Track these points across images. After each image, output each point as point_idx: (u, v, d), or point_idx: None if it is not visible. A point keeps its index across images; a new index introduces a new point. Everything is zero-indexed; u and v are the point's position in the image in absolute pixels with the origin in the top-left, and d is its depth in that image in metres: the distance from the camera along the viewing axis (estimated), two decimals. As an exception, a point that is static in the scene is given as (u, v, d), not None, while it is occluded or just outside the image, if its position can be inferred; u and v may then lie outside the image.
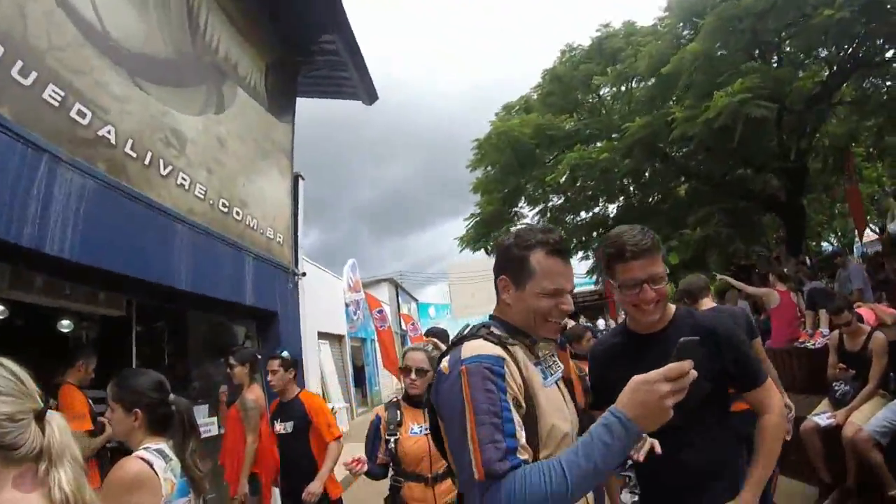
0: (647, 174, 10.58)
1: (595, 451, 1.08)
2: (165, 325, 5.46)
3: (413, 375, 2.54)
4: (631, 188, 11.23)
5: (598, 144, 9.56)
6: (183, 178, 4.55)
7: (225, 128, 5.38)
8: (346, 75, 7.46)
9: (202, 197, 4.82)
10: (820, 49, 8.15)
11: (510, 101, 11.63)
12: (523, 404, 1.26)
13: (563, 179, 9.04)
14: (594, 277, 15.37)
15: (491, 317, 1.48)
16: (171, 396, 1.84)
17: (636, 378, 1.12)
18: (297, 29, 6.69)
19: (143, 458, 1.61)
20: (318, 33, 6.79)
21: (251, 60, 6.02)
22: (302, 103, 7.37)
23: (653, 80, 9.04)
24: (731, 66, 7.50)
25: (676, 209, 10.62)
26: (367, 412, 16.04)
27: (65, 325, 5.03)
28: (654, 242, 1.65)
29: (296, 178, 7.17)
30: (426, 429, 2.35)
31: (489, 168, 11.06)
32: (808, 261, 9.76)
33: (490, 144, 10.14)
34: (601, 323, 32.08)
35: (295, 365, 3.96)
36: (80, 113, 3.39)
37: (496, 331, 1.36)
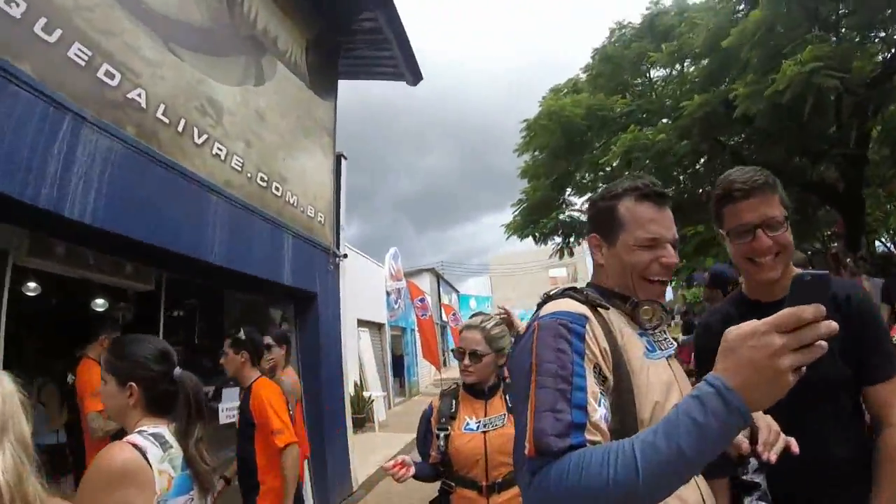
0: (701, 162, 9.90)
1: (680, 431, 0.75)
2: (197, 302, 5.29)
3: (467, 360, 2.11)
4: (681, 178, 10.56)
5: (652, 127, 8.92)
6: (219, 149, 4.35)
7: (264, 101, 5.17)
8: (389, 54, 7.14)
9: (239, 169, 4.62)
10: (878, 29, 7.37)
11: (557, 84, 11.04)
12: (609, 375, 1.03)
13: (617, 163, 8.49)
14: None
15: (588, 284, 1.29)
16: (177, 371, 1.55)
17: (733, 331, 0.76)
18: (338, 5, 6.42)
19: (134, 444, 1.32)
20: (359, 10, 6.50)
21: (291, 36, 5.79)
22: (342, 87, 7.14)
23: (709, 57, 8.37)
24: (791, 39, 6.80)
25: None
26: (404, 401, 15.89)
27: (90, 300, 4.92)
28: (767, 180, 1.41)
29: (338, 158, 6.94)
30: (485, 424, 2.07)
31: (537, 152, 10.57)
32: (868, 257, 8.92)
33: (539, 125, 9.63)
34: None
35: (249, 346, 3.28)
36: (108, 74, 3.21)
37: (588, 292, 1.16)
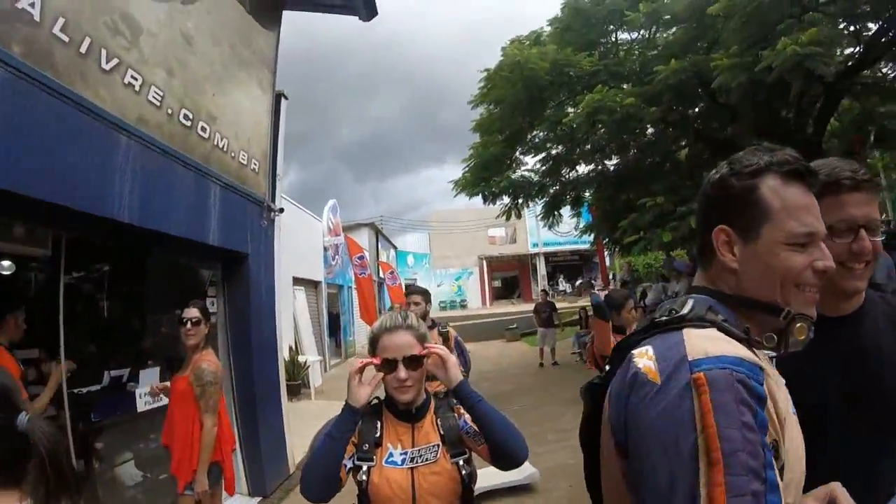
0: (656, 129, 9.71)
1: None
2: (106, 268, 4.40)
3: (402, 373, 1.61)
4: (630, 144, 10.36)
5: (620, 90, 8.50)
6: (133, 77, 3.49)
7: (193, 22, 4.25)
8: (343, -19, 6.21)
9: (157, 104, 3.76)
10: (853, 22, 7.25)
11: (519, 35, 10.31)
12: (781, 454, 0.78)
13: (580, 122, 8.05)
14: (590, 236, 14.46)
15: (697, 289, 0.98)
16: (22, 418, 0.90)
17: None
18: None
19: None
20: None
21: (229, -56, 4.79)
22: (285, 19, 6.17)
23: (686, 24, 8.03)
24: (779, 18, 6.52)
25: (676, 174, 9.76)
26: (340, 363, 15.34)
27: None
28: (872, 177, 1.27)
29: (278, 97, 6.05)
30: (414, 458, 1.62)
31: (493, 106, 9.94)
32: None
33: (500, 77, 8.95)
34: (579, 282, 32.05)
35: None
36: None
37: (722, 317, 0.88)
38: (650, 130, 9.86)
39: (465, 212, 29.56)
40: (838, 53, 7.33)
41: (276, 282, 6.04)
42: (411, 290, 4.11)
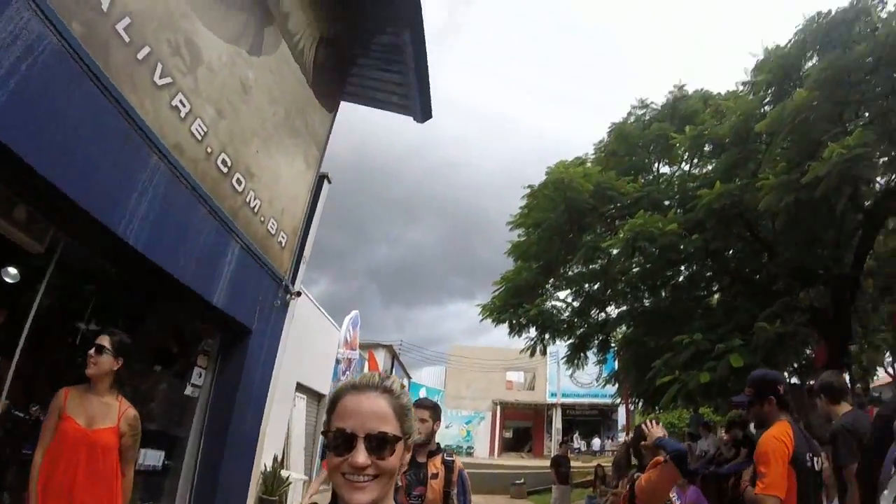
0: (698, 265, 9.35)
1: None
2: (94, 292, 3.90)
3: (361, 457, 1.03)
4: (664, 286, 9.92)
5: (662, 215, 8.27)
6: (181, 103, 3.37)
7: (254, 74, 4.23)
8: (402, 80, 6.33)
9: (199, 138, 3.57)
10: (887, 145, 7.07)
11: (563, 160, 10.31)
12: None
13: (620, 249, 7.70)
14: (613, 386, 13.42)
15: None
16: None
17: None
18: (363, 11, 5.69)
19: None
20: (384, 23, 5.76)
21: (305, 20, 4.97)
22: (345, 127, 6.32)
23: (731, 148, 7.93)
24: (824, 131, 6.40)
25: (710, 317, 9.14)
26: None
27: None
28: None
29: (321, 178, 5.93)
30: None
31: (532, 230, 9.73)
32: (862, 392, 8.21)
33: (543, 195, 8.85)
34: (596, 442, 29.63)
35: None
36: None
37: None
38: (684, 271, 9.60)
39: (485, 350, 28.72)
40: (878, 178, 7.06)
41: (275, 378, 5.43)
42: (419, 403, 3.33)
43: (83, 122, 2.58)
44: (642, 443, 3.08)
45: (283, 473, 9.30)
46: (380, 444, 1.04)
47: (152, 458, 4.18)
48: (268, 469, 8.30)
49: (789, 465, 2.54)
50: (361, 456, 1.02)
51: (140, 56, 2.93)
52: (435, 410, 3.24)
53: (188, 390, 4.53)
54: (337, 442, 1.05)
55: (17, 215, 2.89)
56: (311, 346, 11.06)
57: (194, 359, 4.59)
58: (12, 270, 3.46)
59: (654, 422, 3.16)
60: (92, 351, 2.81)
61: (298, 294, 5.64)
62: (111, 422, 2.84)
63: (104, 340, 2.83)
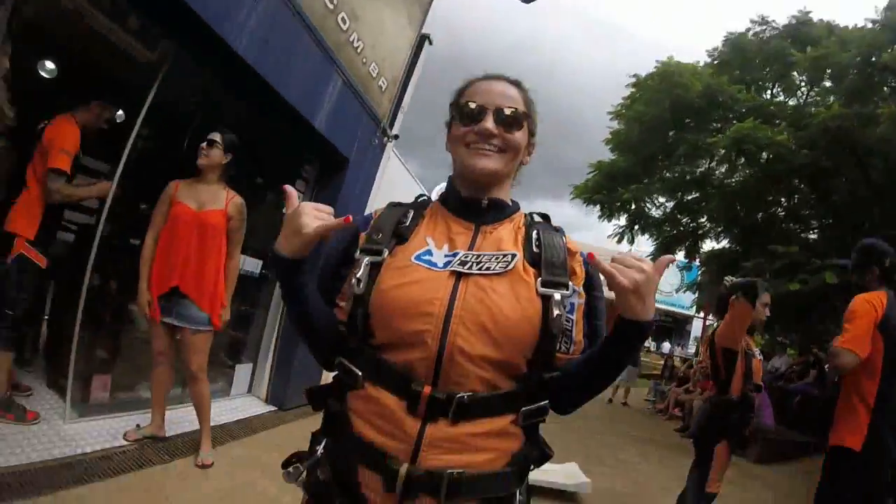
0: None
1: None
2: (197, 107, 4.40)
3: (489, 123, 1.04)
4: (759, 215, 9.31)
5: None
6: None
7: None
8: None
9: (308, -28, 3.83)
10: None
11: (673, 57, 9.71)
12: None
13: (725, 150, 7.35)
14: (694, 293, 13.22)
15: None
16: None
17: None
18: None
19: None
20: None
21: None
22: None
23: (854, 75, 7.25)
24: None
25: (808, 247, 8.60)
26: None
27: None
28: None
29: (423, 38, 6.10)
30: (464, 261, 0.99)
31: (633, 122, 9.38)
32: None
33: (649, 86, 8.47)
34: (666, 346, 29.63)
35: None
36: None
37: None
38: (784, 203, 9.01)
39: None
40: None
41: (370, 207, 5.95)
42: None
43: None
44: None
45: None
46: (509, 118, 1.04)
47: (251, 265, 4.68)
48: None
49: (877, 329, 2.46)
50: (490, 122, 1.03)
51: None
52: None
53: (286, 209, 5.09)
54: (465, 112, 1.05)
55: (132, 24, 3.28)
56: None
57: (294, 183, 5.05)
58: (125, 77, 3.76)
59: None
60: (204, 144, 3.11)
61: (396, 136, 6.05)
62: (219, 205, 3.13)
63: (216, 136, 3.13)
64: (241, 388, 4.97)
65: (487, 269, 0.96)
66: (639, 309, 0.88)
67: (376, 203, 6.23)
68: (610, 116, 9.64)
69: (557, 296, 0.96)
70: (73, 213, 3.94)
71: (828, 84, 8.42)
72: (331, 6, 4.26)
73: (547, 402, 1.02)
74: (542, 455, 1.04)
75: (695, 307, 16.07)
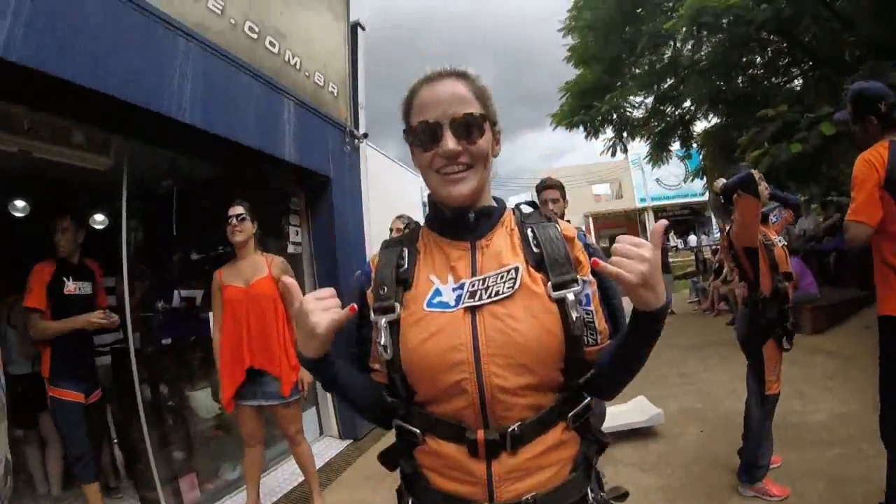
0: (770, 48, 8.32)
1: None
2: (172, 185, 4.36)
3: (450, 143, 0.96)
4: (739, 79, 9.00)
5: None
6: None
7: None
8: None
9: (219, 12, 3.70)
10: None
11: None
12: None
13: (684, 31, 7.08)
14: (702, 179, 13.03)
15: None
16: None
17: None
18: None
19: None
20: None
21: None
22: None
23: None
24: None
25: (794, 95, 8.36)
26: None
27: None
28: None
29: (353, 27, 5.87)
30: (474, 291, 0.97)
31: (586, 31, 9.07)
32: None
33: (589, -9, 8.16)
34: (692, 238, 29.63)
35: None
36: None
37: None
38: (759, 59, 8.68)
39: (565, 169, 28.39)
40: None
41: (367, 221, 5.89)
42: (546, 183, 3.16)
43: (104, 27, 2.73)
44: (716, 195, 3.00)
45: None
46: (467, 127, 0.97)
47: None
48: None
49: (883, 189, 2.24)
50: (451, 141, 0.96)
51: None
52: (563, 189, 3.21)
53: (290, 249, 4.92)
54: (421, 136, 0.99)
55: (76, 138, 3.16)
56: (399, 196, 11.64)
57: (287, 219, 5.03)
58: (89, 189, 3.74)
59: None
60: (233, 220, 3.06)
61: (366, 135, 5.91)
62: (263, 273, 3.08)
63: (239, 209, 3.08)
64: (314, 433, 5.00)
65: (497, 293, 0.95)
66: (651, 300, 0.89)
67: (374, 208, 6.14)
68: (563, 33, 9.33)
69: (571, 295, 0.95)
70: (102, 336, 3.92)
71: None
72: (254, 35, 4.10)
73: (590, 398, 1.05)
74: (600, 446, 1.06)
75: (707, 192, 15.95)
